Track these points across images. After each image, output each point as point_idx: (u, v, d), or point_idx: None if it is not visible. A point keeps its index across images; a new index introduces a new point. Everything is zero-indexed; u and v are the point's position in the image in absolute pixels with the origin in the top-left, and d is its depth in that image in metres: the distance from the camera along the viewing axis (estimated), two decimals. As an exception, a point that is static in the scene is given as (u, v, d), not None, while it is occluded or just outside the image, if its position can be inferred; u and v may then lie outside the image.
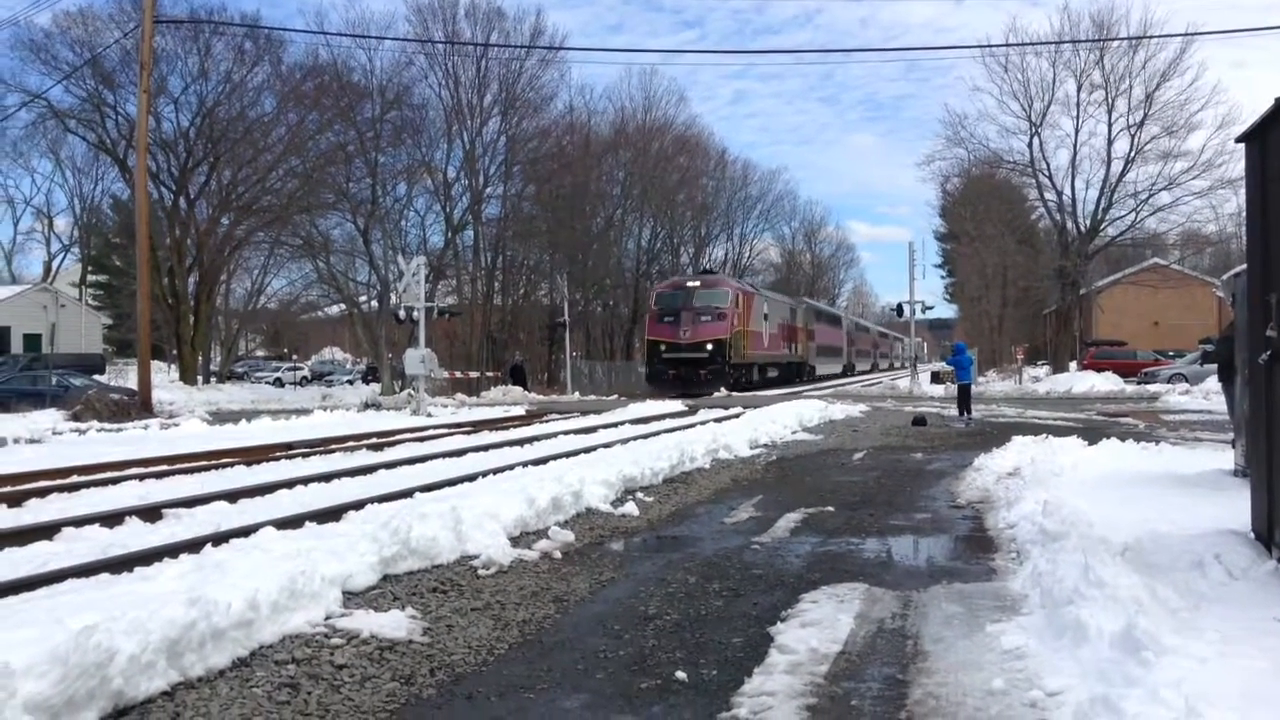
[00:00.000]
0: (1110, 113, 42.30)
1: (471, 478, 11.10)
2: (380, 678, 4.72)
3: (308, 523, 8.22)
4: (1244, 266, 7.45)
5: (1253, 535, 6.37)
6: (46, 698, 3.81)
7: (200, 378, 43.75)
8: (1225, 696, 3.62)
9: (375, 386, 41.76)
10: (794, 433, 18.91)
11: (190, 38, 39.95)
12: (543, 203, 46.85)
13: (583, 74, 75.29)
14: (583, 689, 4.63)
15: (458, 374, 38.04)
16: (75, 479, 11.81)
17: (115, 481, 11.72)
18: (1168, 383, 37.12)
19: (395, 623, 5.47)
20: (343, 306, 51.02)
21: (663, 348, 38.74)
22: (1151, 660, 4.07)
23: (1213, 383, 22.69)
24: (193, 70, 41.35)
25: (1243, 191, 7.38)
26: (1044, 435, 14.82)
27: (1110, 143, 42.63)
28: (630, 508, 9.70)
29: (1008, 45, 42.65)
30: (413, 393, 28.63)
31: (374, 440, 17.33)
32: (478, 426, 21.57)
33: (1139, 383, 38.56)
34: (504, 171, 46.25)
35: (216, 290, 47.48)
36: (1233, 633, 4.55)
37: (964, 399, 23.17)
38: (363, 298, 46.99)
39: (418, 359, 26.51)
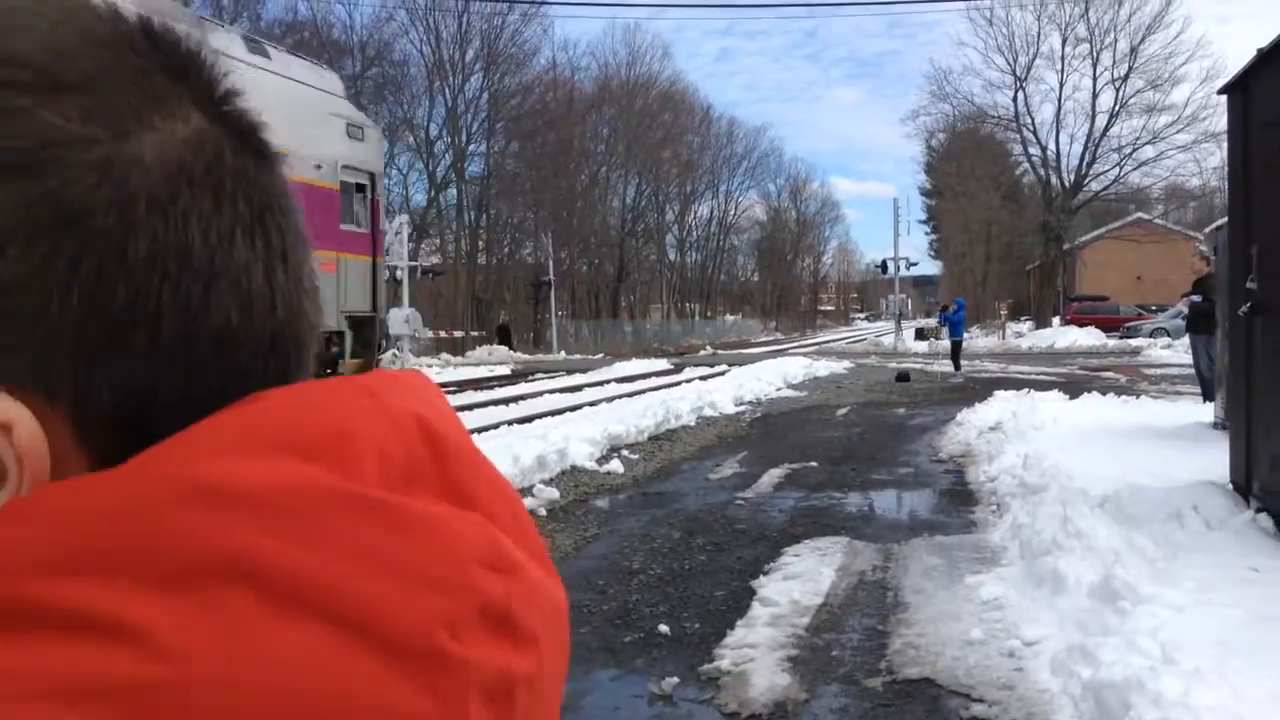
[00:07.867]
0: (1095, 66, 42.32)
1: (456, 436, 11.11)
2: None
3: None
4: (1226, 219, 7.46)
5: (1230, 487, 6.43)
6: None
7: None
8: (1201, 644, 3.66)
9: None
10: (779, 389, 18.95)
11: (165, -7, 39.39)
12: (526, 160, 46.57)
13: (565, 29, 75.20)
14: (566, 643, 4.65)
15: (443, 334, 37.95)
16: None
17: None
18: (1150, 337, 37.29)
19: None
20: (324, 265, 50.74)
21: None
22: (1128, 609, 4.11)
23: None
24: (168, 26, 40.77)
25: (1226, 145, 7.37)
26: (1026, 390, 14.87)
27: (1095, 97, 42.70)
28: (615, 465, 9.72)
29: (993, -1, 42.41)
30: (397, 353, 28.49)
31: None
32: (463, 386, 21.56)
33: (1121, 337, 38.73)
34: (487, 129, 45.94)
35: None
36: (1209, 582, 4.60)
37: (957, 354, 23.58)
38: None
39: (402, 319, 26.33)
